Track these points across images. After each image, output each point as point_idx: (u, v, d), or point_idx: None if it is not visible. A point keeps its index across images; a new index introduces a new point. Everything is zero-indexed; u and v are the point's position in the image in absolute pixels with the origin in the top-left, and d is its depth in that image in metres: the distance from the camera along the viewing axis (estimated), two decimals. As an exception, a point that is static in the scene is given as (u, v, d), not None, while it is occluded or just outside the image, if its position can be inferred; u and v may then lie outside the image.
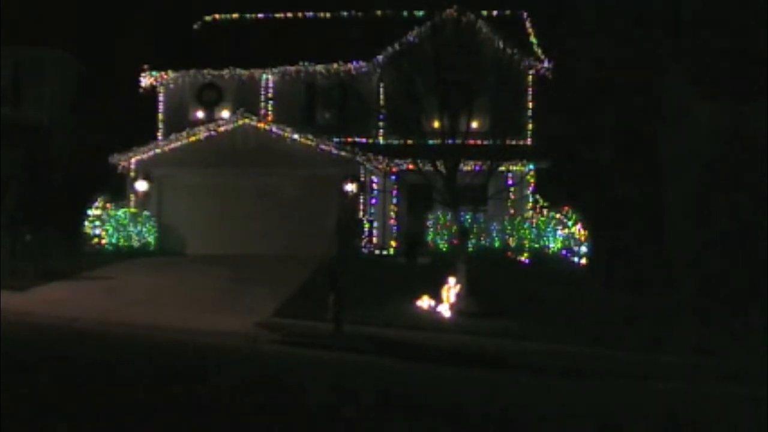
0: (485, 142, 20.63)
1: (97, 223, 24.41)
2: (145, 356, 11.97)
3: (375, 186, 25.90)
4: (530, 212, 25.24)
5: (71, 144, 32.62)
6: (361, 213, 25.25)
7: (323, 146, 25.20)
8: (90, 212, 24.53)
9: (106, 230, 24.34)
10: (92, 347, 12.66)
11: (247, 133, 25.56)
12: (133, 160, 25.78)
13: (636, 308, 17.70)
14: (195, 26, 31.33)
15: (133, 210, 25.09)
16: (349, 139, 26.47)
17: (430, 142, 19.20)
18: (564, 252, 23.11)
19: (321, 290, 16.08)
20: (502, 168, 22.25)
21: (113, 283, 19.48)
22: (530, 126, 26.04)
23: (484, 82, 19.09)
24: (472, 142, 19.66)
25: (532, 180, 25.88)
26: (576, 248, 22.80)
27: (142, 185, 25.44)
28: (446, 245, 23.71)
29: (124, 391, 9.08)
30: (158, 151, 25.86)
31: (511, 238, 24.63)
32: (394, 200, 26.29)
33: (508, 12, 28.15)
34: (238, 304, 17.33)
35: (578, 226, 22.93)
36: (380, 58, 26.21)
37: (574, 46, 28.39)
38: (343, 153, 25.17)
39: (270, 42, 28.72)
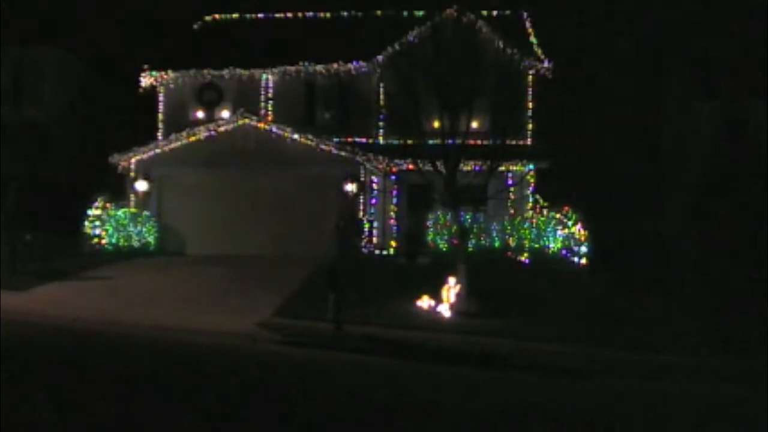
0: (485, 142, 20.62)
1: (97, 223, 24.39)
2: (145, 356, 11.97)
3: (375, 186, 25.88)
4: (530, 212, 25.20)
5: (71, 144, 32.67)
6: (361, 213, 25.22)
7: (323, 146, 25.17)
8: (90, 212, 24.50)
9: (106, 230, 24.31)
10: (92, 347, 12.67)
11: (247, 133, 25.54)
12: (133, 160, 25.75)
13: (636, 308, 17.70)
14: (195, 26, 31.32)
15: (133, 210, 25.07)
16: (349, 139, 26.45)
17: (430, 142, 19.20)
18: (564, 252, 23.09)
19: (321, 290, 16.07)
20: (502, 168, 22.22)
21: (113, 283, 19.48)
22: (530, 126, 26.00)
23: (484, 82, 19.07)
24: (472, 142, 19.65)
25: (532, 180, 25.84)
26: (576, 248, 22.78)
27: (142, 185, 25.42)
28: (446, 245, 23.68)
29: (123, 390, 9.08)
30: (158, 151, 25.82)
31: (511, 238, 24.59)
32: (394, 200, 26.27)
33: (508, 12, 28.14)
34: (238, 304, 17.33)
35: (578, 226, 22.92)
36: (380, 58, 26.20)
37: (575, 47, 28.43)
38: (343, 153, 25.14)
39: (270, 42, 28.70)
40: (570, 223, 23.19)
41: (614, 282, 20.14)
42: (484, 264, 20.14)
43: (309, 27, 30.19)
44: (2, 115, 30.46)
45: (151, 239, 24.88)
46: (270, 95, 27.70)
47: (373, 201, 25.78)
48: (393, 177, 26.15)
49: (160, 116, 28.21)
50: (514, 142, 22.67)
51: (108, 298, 17.74)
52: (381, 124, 26.72)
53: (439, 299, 16.90)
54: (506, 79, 20.08)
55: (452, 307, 16.74)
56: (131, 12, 35.68)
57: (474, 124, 20.01)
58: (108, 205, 24.79)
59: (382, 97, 26.32)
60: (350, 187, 24.85)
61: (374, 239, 25.47)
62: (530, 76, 25.75)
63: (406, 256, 23.98)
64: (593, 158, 29.31)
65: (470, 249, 20.64)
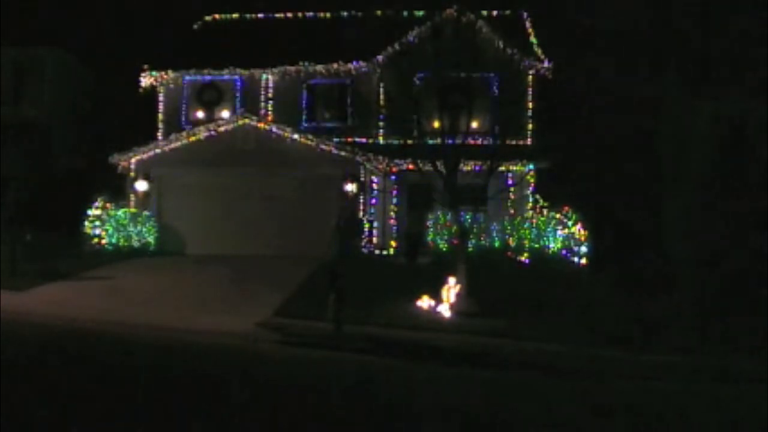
0: (485, 142, 20.65)
1: (97, 223, 24.40)
2: (145, 356, 11.97)
3: (375, 186, 25.90)
4: (530, 212, 25.22)
5: (71, 144, 32.68)
6: (361, 213, 25.23)
7: (323, 146, 25.19)
8: (90, 212, 24.51)
9: (106, 230, 24.32)
10: (92, 347, 12.66)
11: (247, 133, 25.55)
12: (133, 160, 25.77)
13: (636, 308, 17.69)
14: (195, 26, 31.33)
15: (133, 210, 25.08)
16: (349, 139, 26.48)
17: (430, 142, 19.21)
18: (564, 252, 23.10)
19: (321, 290, 16.06)
20: (502, 168, 22.24)
21: (113, 283, 19.47)
22: (530, 126, 26.02)
23: (484, 82, 19.11)
24: (472, 142, 19.68)
25: (532, 180, 25.85)
26: (576, 248, 22.79)
27: (142, 185, 25.43)
28: (446, 245, 23.69)
29: (123, 391, 9.08)
30: (158, 151, 25.84)
31: (511, 238, 24.60)
32: (394, 200, 26.28)
33: (508, 12, 28.16)
34: (238, 304, 17.33)
35: (578, 226, 22.92)
36: (380, 58, 26.23)
37: (574, 46, 28.42)
38: (343, 153, 25.16)
39: (270, 42, 28.72)
40: (570, 223, 23.19)
41: (614, 282, 20.14)
42: (484, 264, 20.14)
43: (309, 27, 30.21)
44: (2, 115, 30.47)
45: (151, 239, 24.89)
46: (270, 95, 27.72)
47: (373, 201, 25.79)
48: (393, 177, 26.16)
49: (160, 116, 28.24)
50: (514, 142, 22.69)
51: (108, 298, 17.74)
52: (381, 124, 26.75)
53: (439, 299, 16.90)
54: (506, 79, 20.12)
55: (452, 307, 16.74)
56: (131, 12, 35.69)
57: (474, 124, 20.03)
58: (108, 205, 24.80)
59: (382, 97, 26.35)
60: (350, 187, 24.86)
61: (374, 239, 25.49)
62: (530, 76, 25.77)
63: (406, 256, 23.99)
64: (593, 158, 29.30)
65: (470, 249, 20.65)
